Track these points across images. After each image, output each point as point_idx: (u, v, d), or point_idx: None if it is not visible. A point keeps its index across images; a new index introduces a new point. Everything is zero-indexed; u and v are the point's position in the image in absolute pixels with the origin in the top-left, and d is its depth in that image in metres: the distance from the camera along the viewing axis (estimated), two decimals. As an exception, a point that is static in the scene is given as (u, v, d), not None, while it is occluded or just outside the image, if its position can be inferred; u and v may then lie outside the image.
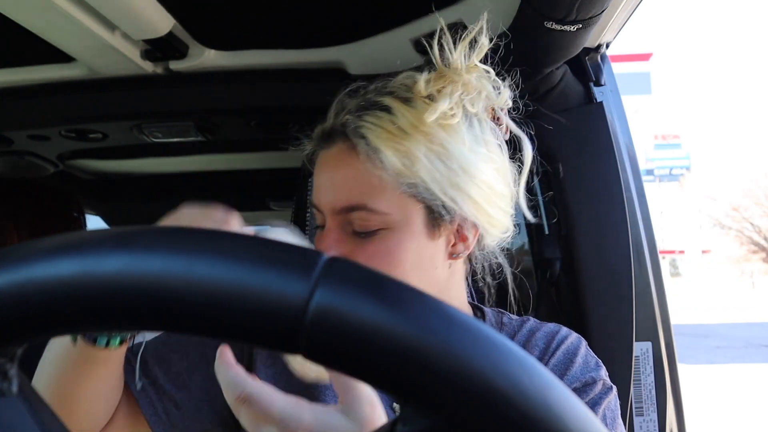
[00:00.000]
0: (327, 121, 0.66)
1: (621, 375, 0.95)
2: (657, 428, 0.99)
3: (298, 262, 0.22)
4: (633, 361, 0.96)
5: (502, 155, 0.68)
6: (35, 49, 0.90)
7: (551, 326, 0.73)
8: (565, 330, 0.72)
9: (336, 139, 0.64)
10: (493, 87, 0.66)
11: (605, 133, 1.01)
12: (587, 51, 1.01)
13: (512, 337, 0.72)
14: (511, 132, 0.71)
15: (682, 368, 1.03)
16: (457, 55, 0.63)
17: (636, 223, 1.03)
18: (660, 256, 1.09)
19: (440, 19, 0.65)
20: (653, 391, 0.99)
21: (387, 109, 0.62)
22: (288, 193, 1.40)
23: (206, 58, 0.97)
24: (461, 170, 0.62)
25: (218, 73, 1.02)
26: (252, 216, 1.74)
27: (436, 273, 0.67)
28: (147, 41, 0.90)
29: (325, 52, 0.99)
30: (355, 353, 0.22)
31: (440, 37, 0.64)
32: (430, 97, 0.62)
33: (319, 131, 0.67)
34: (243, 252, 0.23)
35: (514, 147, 0.71)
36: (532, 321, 0.74)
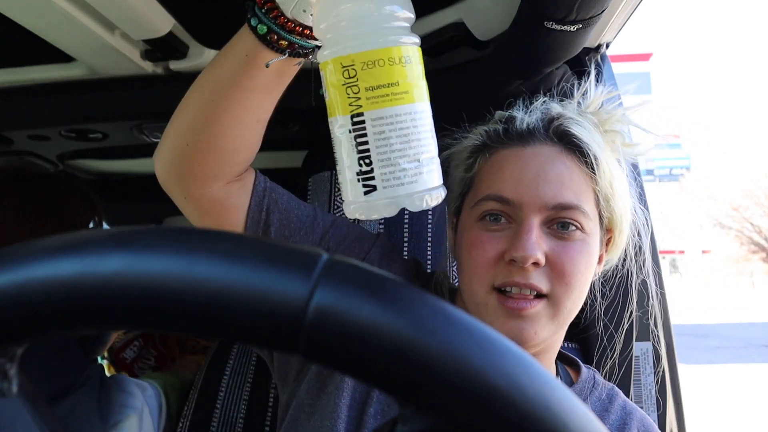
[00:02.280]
0: (522, 122, 0.69)
1: (621, 375, 0.95)
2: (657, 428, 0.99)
3: (298, 262, 0.22)
4: (633, 361, 0.96)
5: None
6: (35, 49, 0.90)
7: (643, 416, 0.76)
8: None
9: (543, 139, 0.68)
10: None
11: (605, 133, 1.01)
12: (587, 51, 1.01)
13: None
14: None
15: (682, 368, 1.03)
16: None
17: (636, 223, 1.03)
18: (660, 256, 1.08)
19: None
20: (653, 391, 0.99)
21: (588, 126, 0.68)
22: (288, 193, 1.40)
23: (206, 58, 0.97)
24: (623, 193, 0.70)
25: (218, 73, 1.02)
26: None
27: (588, 284, 0.70)
28: (147, 41, 0.90)
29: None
30: (355, 353, 0.22)
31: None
32: (606, 131, 0.70)
33: (513, 129, 0.69)
34: (243, 252, 0.23)
35: None
36: (621, 398, 0.77)
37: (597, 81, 0.75)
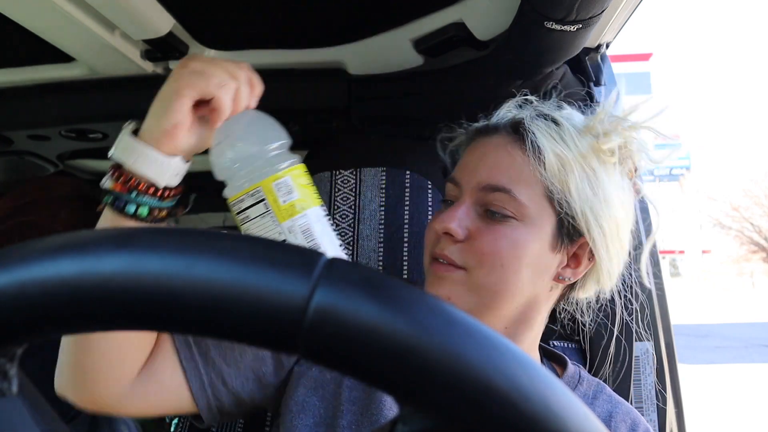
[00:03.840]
0: (492, 118, 0.74)
1: (621, 375, 0.95)
2: (657, 428, 0.99)
3: (298, 263, 0.22)
4: (633, 361, 0.96)
5: (633, 211, 0.74)
6: (35, 49, 0.90)
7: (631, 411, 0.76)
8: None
9: (501, 131, 0.71)
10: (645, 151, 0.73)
11: (605, 133, 1.01)
12: (587, 51, 1.01)
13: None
14: (642, 197, 0.80)
15: (682, 368, 1.03)
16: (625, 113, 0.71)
17: (636, 223, 1.03)
18: (660, 256, 1.08)
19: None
20: (653, 391, 0.99)
21: (558, 123, 0.69)
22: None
23: (206, 58, 0.97)
24: (603, 200, 0.67)
25: (218, 73, 1.02)
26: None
27: (540, 284, 0.69)
28: (147, 41, 0.90)
29: (325, 52, 0.99)
30: (354, 353, 0.22)
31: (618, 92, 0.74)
32: (596, 135, 0.68)
33: (482, 124, 0.74)
34: (243, 252, 0.23)
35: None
36: (607, 392, 0.78)
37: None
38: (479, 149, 0.71)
